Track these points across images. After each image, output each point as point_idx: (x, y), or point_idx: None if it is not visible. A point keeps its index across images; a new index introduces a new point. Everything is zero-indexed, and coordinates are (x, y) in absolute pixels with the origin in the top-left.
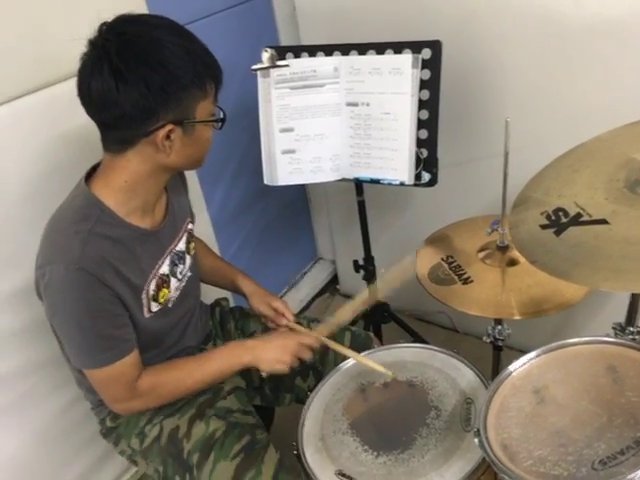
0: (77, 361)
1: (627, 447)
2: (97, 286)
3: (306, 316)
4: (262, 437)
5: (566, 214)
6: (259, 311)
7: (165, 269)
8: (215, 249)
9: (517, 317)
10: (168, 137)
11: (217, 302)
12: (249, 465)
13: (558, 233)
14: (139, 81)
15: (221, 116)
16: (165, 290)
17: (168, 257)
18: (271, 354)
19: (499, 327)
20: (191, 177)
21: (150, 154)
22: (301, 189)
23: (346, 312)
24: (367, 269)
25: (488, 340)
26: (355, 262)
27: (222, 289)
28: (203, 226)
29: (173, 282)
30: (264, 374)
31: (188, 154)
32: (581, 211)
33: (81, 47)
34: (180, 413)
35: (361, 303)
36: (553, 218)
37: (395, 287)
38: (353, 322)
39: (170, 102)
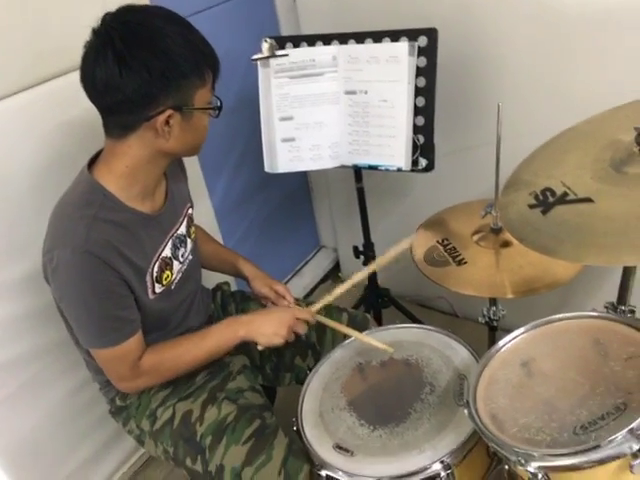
0: (85, 342)
1: (607, 413)
2: (103, 268)
3: (306, 300)
4: (271, 422)
5: (553, 194)
6: (260, 293)
7: (167, 252)
8: (218, 238)
9: (510, 296)
10: (167, 122)
11: (218, 286)
12: (260, 450)
13: (545, 212)
14: (141, 67)
15: (218, 104)
16: (168, 272)
17: (170, 240)
18: (267, 328)
19: (494, 308)
20: (194, 167)
21: (150, 139)
22: (303, 178)
23: (341, 290)
24: (367, 255)
25: (483, 321)
26: (355, 248)
27: (224, 274)
28: (206, 215)
29: (175, 265)
30: (260, 347)
31: (186, 140)
32: (567, 190)
33: (84, 39)
34: (193, 397)
35: (356, 282)
36: (541, 198)
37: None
38: (354, 307)
39: (170, 88)
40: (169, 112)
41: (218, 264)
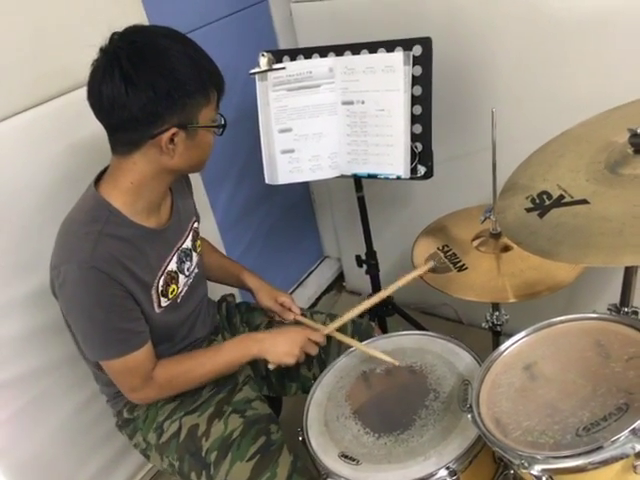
0: (93, 354)
1: (609, 414)
2: (108, 283)
3: (312, 310)
4: (277, 437)
5: (549, 197)
6: (266, 306)
7: (173, 266)
8: (222, 251)
9: (512, 300)
10: (172, 140)
11: (223, 298)
12: (264, 467)
13: (542, 215)
14: (147, 86)
15: (222, 122)
16: (174, 286)
17: (175, 255)
18: (280, 347)
19: (497, 313)
20: (196, 181)
21: (155, 156)
22: (305, 189)
23: (353, 312)
24: (369, 263)
25: (487, 326)
26: (357, 257)
27: (228, 286)
28: (209, 229)
29: (181, 278)
30: (271, 366)
31: (190, 157)
32: (563, 193)
33: (86, 58)
34: (200, 411)
35: (369, 305)
36: (537, 201)
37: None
38: (359, 316)
39: (175, 107)
40: (174, 130)
41: (222, 276)
